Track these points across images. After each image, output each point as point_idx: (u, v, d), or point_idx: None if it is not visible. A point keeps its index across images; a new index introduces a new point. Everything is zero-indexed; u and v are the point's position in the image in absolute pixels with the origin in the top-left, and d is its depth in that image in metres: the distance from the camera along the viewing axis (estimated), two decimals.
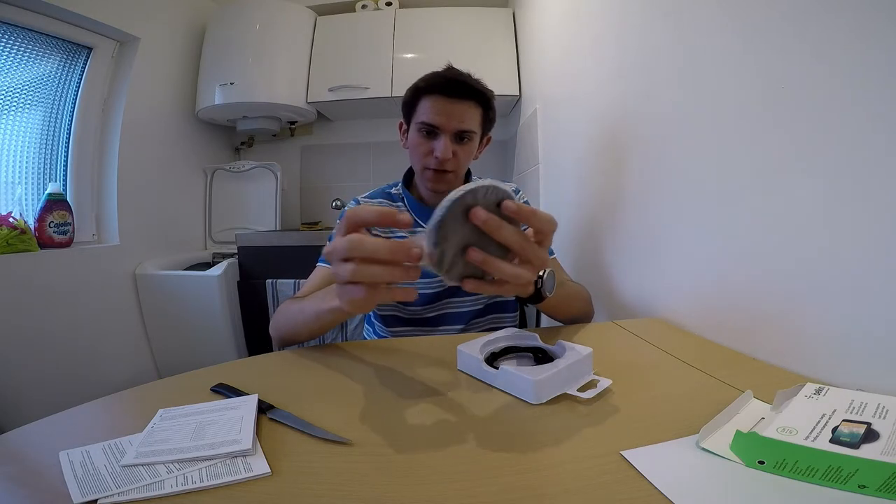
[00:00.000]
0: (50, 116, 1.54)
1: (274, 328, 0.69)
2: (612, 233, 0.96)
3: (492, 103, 0.84)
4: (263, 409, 0.42)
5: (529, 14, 1.71)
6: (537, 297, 0.61)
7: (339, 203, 2.09)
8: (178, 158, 1.95)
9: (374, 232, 0.87)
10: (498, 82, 1.85)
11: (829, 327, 0.44)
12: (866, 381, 0.38)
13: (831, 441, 0.29)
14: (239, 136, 2.22)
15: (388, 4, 2.02)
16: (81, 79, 1.60)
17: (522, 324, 1.04)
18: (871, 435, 0.29)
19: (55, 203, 1.44)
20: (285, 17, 1.93)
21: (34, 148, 1.51)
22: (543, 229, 0.39)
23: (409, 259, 0.36)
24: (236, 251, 1.72)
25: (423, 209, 0.88)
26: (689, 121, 0.68)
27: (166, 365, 1.77)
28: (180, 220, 1.97)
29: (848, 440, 0.29)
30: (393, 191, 0.92)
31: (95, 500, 0.30)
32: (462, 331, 0.87)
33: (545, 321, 0.93)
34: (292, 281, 1.62)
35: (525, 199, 0.94)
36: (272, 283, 1.64)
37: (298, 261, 1.63)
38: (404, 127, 0.88)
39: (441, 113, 0.79)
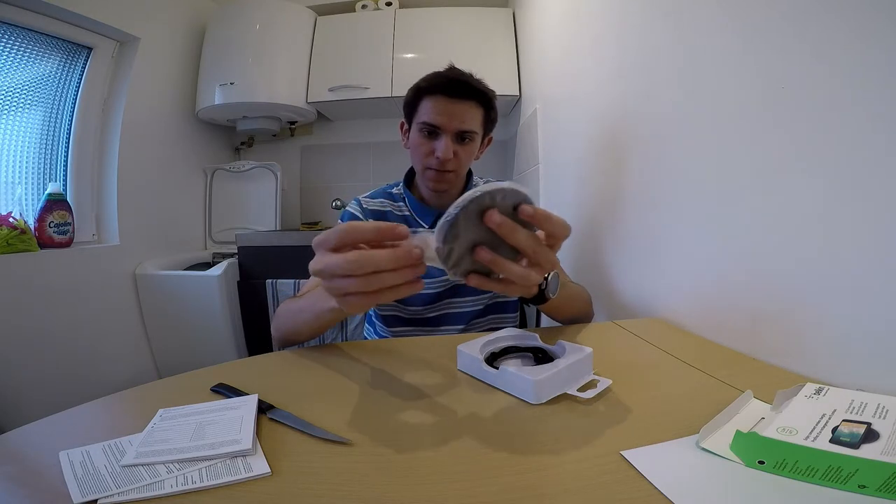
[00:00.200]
0: (50, 116, 1.54)
1: (275, 328, 0.69)
2: (612, 233, 0.96)
3: (493, 103, 0.84)
4: (263, 409, 0.42)
5: (529, 14, 1.71)
6: (540, 297, 0.61)
7: (339, 203, 2.09)
8: (178, 158, 1.95)
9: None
10: (498, 82, 1.84)
11: (829, 327, 0.44)
12: (866, 381, 0.38)
13: (831, 441, 0.29)
14: (239, 136, 2.22)
15: (388, 4, 2.02)
16: (81, 79, 1.59)
17: (523, 324, 1.04)
18: (871, 435, 0.29)
19: (55, 203, 1.44)
20: (285, 17, 1.93)
21: (34, 148, 1.51)
22: (556, 234, 0.38)
23: (412, 262, 0.36)
24: (236, 251, 1.72)
25: (424, 209, 0.88)
26: (689, 121, 0.68)
27: (166, 365, 1.77)
28: (180, 220, 1.97)
29: (848, 440, 0.29)
30: (394, 191, 0.92)
31: (95, 500, 0.30)
32: (463, 331, 0.87)
33: (545, 321, 0.93)
34: (292, 281, 1.62)
35: None
36: (272, 283, 1.64)
37: (298, 261, 1.63)
38: (406, 127, 0.88)
39: (442, 113, 0.79)
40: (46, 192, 1.44)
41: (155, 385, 0.52)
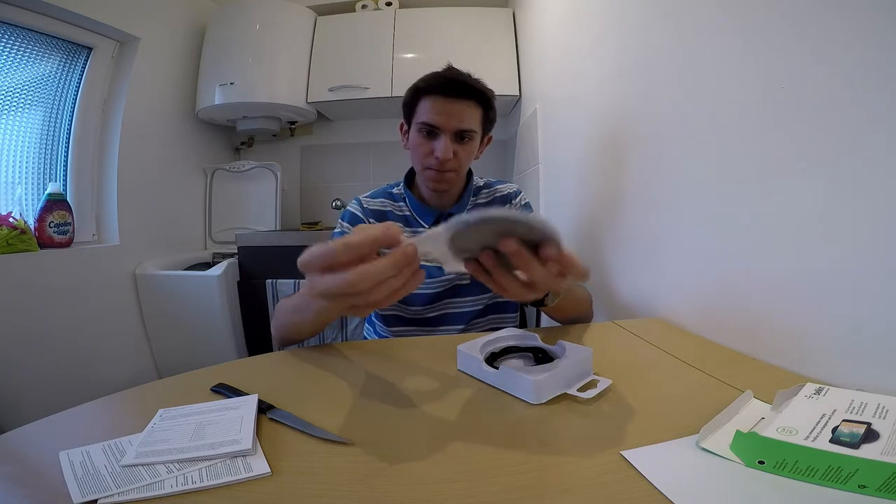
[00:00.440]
0: (50, 116, 1.54)
1: (274, 327, 0.69)
2: (612, 233, 0.96)
3: (492, 103, 0.84)
4: (263, 409, 0.42)
5: (529, 14, 1.71)
6: (539, 301, 0.61)
7: (339, 203, 2.09)
8: (178, 158, 1.95)
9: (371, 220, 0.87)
10: (498, 82, 1.84)
11: (829, 327, 0.44)
12: (866, 381, 0.38)
13: (831, 441, 0.29)
14: (239, 136, 2.22)
15: (388, 4, 2.02)
16: (81, 79, 1.59)
17: (523, 324, 1.04)
18: (871, 435, 0.29)
19: (55, 203, 1.44)
20: (285, 17, 1.93)
21: (34, 148, 1.51)
22: (576, 277, 0.38)
23: (410, 262, 0.35)
24: (236, 251, 1.72)
25: (424, 209, 0.88)
26: (689, 121, 0.68)
27: (166, 365, 1.77)
28: (180, 220, 1.97)
29: (848, 440, 0.29)
30: (394, 190, 0.92)
31: (95, 500, 0.30)
32: (463, 331, 0.87)
33: (545, 321, 0.93)
34: (292, 281, 1.62)
35: (526, 200, 0.94)
36: (272, 283, 1.64)
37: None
38: (405, 128, 0.88)
39: (441, 113, 0.79)
40: (46, 192, 1.44)
41: (155, 385, 0.52)
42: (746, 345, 0.55)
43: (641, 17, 0.82)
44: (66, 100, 1.58)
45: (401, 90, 0.96)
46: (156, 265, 1.72)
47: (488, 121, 0.86)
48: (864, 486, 0.27)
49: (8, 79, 1.42)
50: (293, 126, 2.18)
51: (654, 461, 0.32)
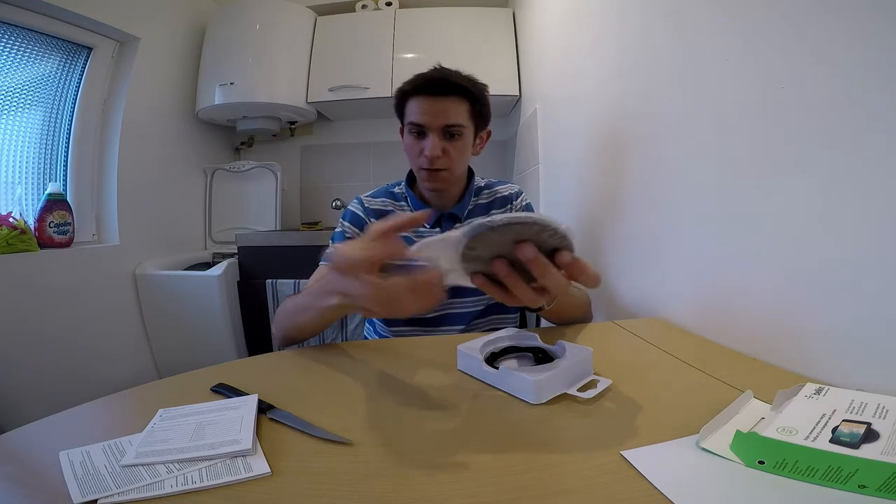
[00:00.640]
0: (50, 116, 1.54)
1: (277, 328, 0.69)
2: (612, 233, 0.96)
3: (479, 96, 0.83)
4: (263, 409, 0.42)
5: (529, 14, 1.71)
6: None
7: (339, 203, 2.09)
8: (178, 158, 1.95)
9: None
10: (498, 82, 1.86)
11: (829, 327, 0.44)
12: (866, 381, 0.38)
13: (831, 441, 0.29)
14: (239, 136, 2.22)
15: (388, 4, 2.02)
16: (81, 79, 1.59)
17: (523, 324, 1.04)
18: (871, 435, 0.29)
19: (55, 203, 1.44)
20: (285, 17, 1.93)
21: (34, 148, 1.51)
22: (586, 284, 0.39)
23: (435, 290, 0.38)
24: (236, 251, 1.72)
25: (425, 209, 0.88)
26: (689, 121, 0.68)
27: (166, 365, 1.77)
28: (180, 220, 1.97)
29: (848, 440, 0.29)
30: (396, 190, 0.92)
31: (95, 500, 0.30)
32: (463, 331, 0.87)
33: (545, 321, 0.93)
34: (292, 281, 1.62)
35: (527, 201, 0.94)
36: (272, 283, 1.64)
37: (298, 261, 1.63)
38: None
39: (426, 112, 0.80)
40: (46, 192, 1.44)
41: (155, 385, 0.52)
42: (746, 345, 0.55)
43: (641, 17, 0.82)
44: (66, 100, 1.58)
45: None
46: (156, 265, 1.72)
47: (479, 114, 0.85)
48: (864, 486, 0.27)
49: (8, 79, 1.42)
50: (293, 126, 2.18)
51: (654, 461, 0.32)
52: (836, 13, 0.42)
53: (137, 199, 1.72)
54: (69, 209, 1.49)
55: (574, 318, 0.75)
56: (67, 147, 1.59)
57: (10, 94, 1.43)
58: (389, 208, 0.90)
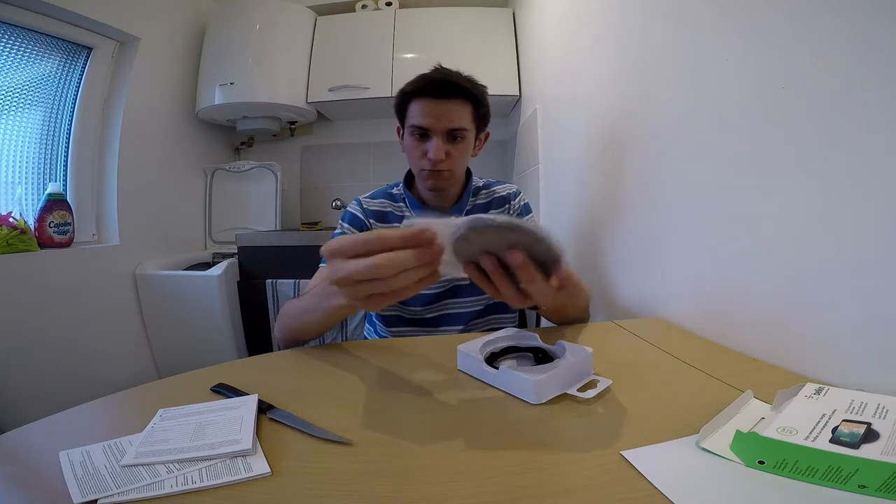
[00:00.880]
0: (50, 116, 1.54)
1: (279, 330, 0.69)
2: (612, 233, 0.96)
3: (481, 99, 0.83)
4: (263, 409, 0.42)
5: (529, 14, 1.71)
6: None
7: (339, 203, 2.09)
8: (178, 158, 1.95)
9: (371, 221, 0.88)
10: (498, 82, 1.86)
11: (829, 327, 0.44)
12: (866, 381, 0.38)
13: (831, 441, 0.29)
14: (239, 136, 2.22)
15: (388, 4, 2.02)
16: (81, 79, 1.59)
17: (522, 324, 1.04)
18: (871, 435, 0.29)
19: (55, 203, 1.44)
20: (285, 17, 1.93)
21: (34, 148, 1.51)
22: (570, 292, 0.40)
23: (434, 258, 0.37)
24: (236, 251, 1.72)
25: (424, 209, 0.88)
26: (689, 121, 0.68)
27: (166, 365, 1.77)
28: (180, 220, 1.97)
29: (848, 440, 0.29)
30: (394, 191, 0.92)
31: (95, 500, 0.30)
32: (462, 331, 0.87)
33: (545, 321, 0.93)
34: (292, 281, 1.62)
35: (525, 201, 0.94)
36: (272, 283, 1.64)
37: (298, 261, 1.63)
38: (401, 130, 0.89)
39: (430, 115, 0.80)
40: (46, 192, 1.44)
41: (155, 385, 0.52)
42: (746, 345, 0.55)
43: (641, 17, 0.82)
44: (66, 100, 1.58)
45: None
46: (156, 265, 1.72)
47: (480, 117, 0.85)
48: (864, 486, 0.27)
49: (8, 79, 1.42)
50: (293, 126, 2.18)
51: (654, 461, 0.32)
52: (836, 13, 0.42)
53: (137, 199, 1.72)
54: (69, 209, 1.49)
55: (574, 318, 0.75)
56: (67, 147, 1.59)
57: (10, 94, 1.43)
58: (388, 209, 0.90)
